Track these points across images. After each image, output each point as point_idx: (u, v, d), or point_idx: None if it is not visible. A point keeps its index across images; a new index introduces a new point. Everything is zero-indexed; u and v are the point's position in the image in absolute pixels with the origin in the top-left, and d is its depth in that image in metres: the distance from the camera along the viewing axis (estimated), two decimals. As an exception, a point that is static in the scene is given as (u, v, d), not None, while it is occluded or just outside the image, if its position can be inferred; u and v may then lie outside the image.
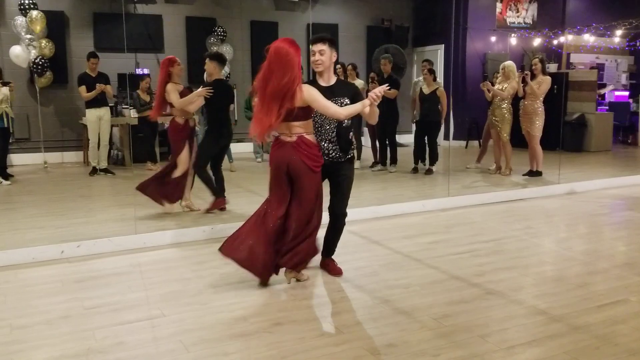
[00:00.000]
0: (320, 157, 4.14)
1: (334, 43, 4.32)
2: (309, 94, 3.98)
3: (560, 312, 3.74)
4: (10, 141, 9.18)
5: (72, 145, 10.89)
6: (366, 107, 4.06)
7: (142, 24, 11.16)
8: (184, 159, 6.30)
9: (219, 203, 6.54)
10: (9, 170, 8.88)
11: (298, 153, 4.04)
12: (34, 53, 10.02)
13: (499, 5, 13.60)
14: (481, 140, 10.33)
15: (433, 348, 3.24)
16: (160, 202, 6.31)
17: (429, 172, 9.25)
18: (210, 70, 6.45)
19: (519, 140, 9.35)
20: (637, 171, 9.40)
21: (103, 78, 8.96)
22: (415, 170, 9.37)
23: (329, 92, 4.18)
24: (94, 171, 9.14)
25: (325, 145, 4.27)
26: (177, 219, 6.15)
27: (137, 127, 9.72)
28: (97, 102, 8.97)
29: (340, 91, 4.27)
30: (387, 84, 4.37)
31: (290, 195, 4.18)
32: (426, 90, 9.14)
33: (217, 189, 6.54)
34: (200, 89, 6.22)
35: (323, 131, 4.28)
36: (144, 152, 9.68)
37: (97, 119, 9.04)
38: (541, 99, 8.63)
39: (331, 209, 4.44)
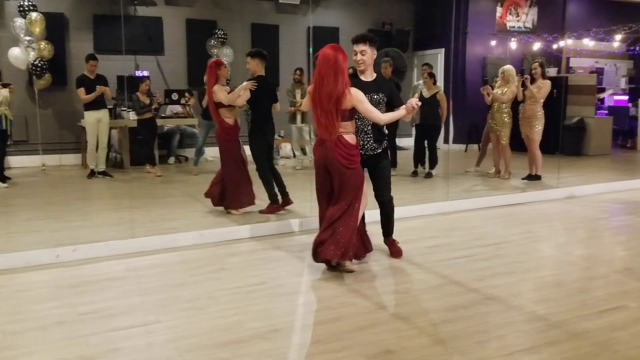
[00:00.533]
0: (355, 157, 4.44)
1: (374, 41, 4.64)
2: (357, 97, 4.33)
3: (559, 317, 3.70)
4: (8, 143, 9.13)
5: (71, 148, 10.83)
6: (403, 115, 4.53)
7: (142, 26, 11.13)
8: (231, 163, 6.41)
9: (274, 209, 6.50)
10: (6, 173, 8.83)
11: (334, 152, 4.36)
12: (33, 55, 9.99)
13: (499, 10, 13.59)
14: (480, 144, 10.30)
15: (432, 355, 3.20)
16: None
17: (428, 175, 9.22)
18: (253, 67, 6.45)
19: (518, 144, 9.32)
20: (636, 175, 9.36)
21: (101, 80, 8.92)
22: (415, 173, 9.34)
23: (374, 86, 4.65)
24: (92, 174, 9.10)
25: (361, 137, 4.67)
26: (175, 223, 6.11)
27: (136, 129, 9.68)
28: (96, 104, 8.93)
29: (382, 86, 4.70)
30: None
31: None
32: (426, 94, 9.11)
33: (275, 195, 6.48)
34: (245, 82, 6.26)
35: (358, 123, 4.63)
36: (143, 154, 9.64)
37: (95, 121, 9.00)
38: (541, 103, 8.60)
39: (377, 197, 4.89)
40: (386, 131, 4.87)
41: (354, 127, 4.50)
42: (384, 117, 4.47)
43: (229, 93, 6.32)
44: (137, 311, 3.84)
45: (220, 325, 3.60)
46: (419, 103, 4.50)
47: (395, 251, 5.07)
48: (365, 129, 4.68)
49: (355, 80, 4.61)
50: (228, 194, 6.43)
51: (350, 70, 4.69)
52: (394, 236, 5.15)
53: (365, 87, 4.55)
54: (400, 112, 4.51)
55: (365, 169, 4.75)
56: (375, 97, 4.63)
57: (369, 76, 4.71)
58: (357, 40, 4.61)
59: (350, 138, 4.42)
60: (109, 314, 3.80)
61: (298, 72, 10.11)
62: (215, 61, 6.54)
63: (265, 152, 6.54)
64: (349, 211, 4.42)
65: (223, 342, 3.36)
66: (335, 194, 4.49)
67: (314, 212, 5.07)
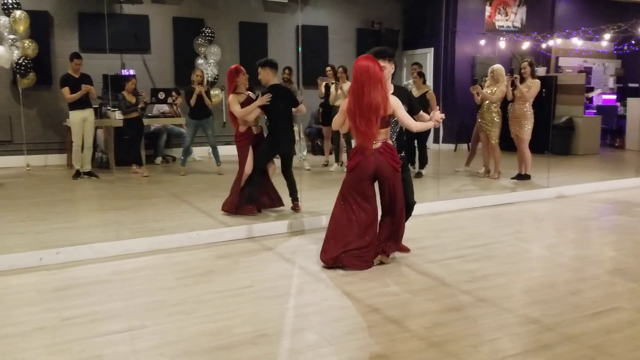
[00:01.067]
0: (399, 158, 4.71)
1: (392, 56, 4.83)
2: (395, 104, 4.55)
3: (553, 320, 3.64)
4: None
5: (56, 148, 10.68)
6: (431, 127, 4.88)
7: (128, 24, 11.00)
8: (248, 166, 6.36)
9: (249, 210, 6.44)
10: (-10, 173, 8.69)
11: (384, 157, 4.59)
12: (17, 53, 9.84)
13: (488, 9, 13.57)
14: (470, 144, 10.27)
15: (424, 359, 3.14)
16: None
17: (418, 175, 9.17)
18: (265, 77, 6.40)
19: (507, 143, 9.30)
20: (624, 175, 9.37)
21: (87, 79, 8.78)
22: (404, 173, 9.27)
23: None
24: (78, 174, 8.96)
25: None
26: (162, 225, 6.01)
27: (122, 129, 9.54)
28: (81, 103, 8.80)
29: (401, 97, 4.72)
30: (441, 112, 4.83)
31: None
32: (416, 93, 9.06)
33: (252, 195, 6.41)
34: (259, 99, 6.27)
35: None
36: (129, 155, 9.52)
37: (81, 121, 8.86)
38: (530, 102, 8.58)
39: (406, 201, 4.92)
40: (404, 138, 5.09)
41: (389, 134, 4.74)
42: (415, 125, 4.73)
43: (242, 102, 6.33)
44: (122, 316, 3.74)
45: (208, 330, 3.51)
46: (443, 117, 4.72)
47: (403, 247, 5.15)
48: (390, 136, 4.76)
49: None
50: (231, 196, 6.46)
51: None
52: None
53: None
54: (430, 124, 4.77)
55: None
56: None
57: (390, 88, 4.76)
58: (377, 55, 4.64)
59: (391, 142, 4.71)
60: (93, 319, 3.70)
61: (287, 71, 10.03)
62: (235, 68, 6.47)
63: (268, 159, 6.49)
64: (400, 211, 4.82)
65: (211, 348, 3.27)
66: (385, 199, 4.76)
67: (303, 214, 5.01)
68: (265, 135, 6.56)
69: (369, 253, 4.71)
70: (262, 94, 6.27)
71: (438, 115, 4.68)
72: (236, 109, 6.27)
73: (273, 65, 6.43)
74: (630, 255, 5.17)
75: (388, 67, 4.71)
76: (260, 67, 6.39)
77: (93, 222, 6.23)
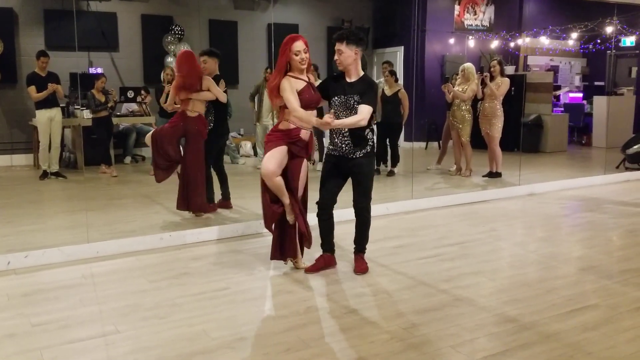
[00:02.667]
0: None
1: (351, 40, 4.31)
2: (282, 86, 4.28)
3: (530, 319, 3.67)
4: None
5: (22, 148, 10.41)
6: (315, 123, 4.24)
7: (96, 22, 10.77)
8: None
9: (210, 208, 6.45)
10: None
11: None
12: (-21, 51, 9.58)
13: (457, 8, 13.67)
14: (441, 142, 10.33)
15: (404, 361, 3.12)
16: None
17: (390, 174, 9.19)
18: (212, 67, 6.32)
19: (478, 141, 9.38)
20: (592, 172, 9.53)
21: (53, 77, 8.58)
22: (377, 172, 9.29)
23: (350, 88, 4.36)
24: (45, 175, 8.74)
25: (338, 139, 4.43)
26: (133, 226, 5.90)
27: (90, 128, 9.35)
28: (48, 102, 8.59)
29: (357, 88, 4.36)
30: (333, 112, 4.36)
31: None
32: (388, 92, 9.07)
33: (211, 194, 6.45)
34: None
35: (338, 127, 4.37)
36: (98, 154, 9.33)
37: (47, 120, 8.65)
38: (500, 100, 8.67)
39: (354, 204, 4.59)
40: (370, 135, 4.47)
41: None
42: (298, 112, 4.21)
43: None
44: (94, 321, 3.64)
45: (184, 335, 3.44)
46: (333, 120, 4.12)
47: (359, 266, 4.62)
48: (343, 132, 4.39)
49: (335, 80, 4.47)
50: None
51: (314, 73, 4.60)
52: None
53: (344, 88, 4.36)
54: (315, 120, 4.22)
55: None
56: (351, 99, 4.33)
57: (352, 77, 4.39)
58: (334, 38, 4.37)
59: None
60: (64, 324, 3.59)
61: (269, 70, 9.93)
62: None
63: (217, 153, 6.61)
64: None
65: (187, 353, 3.20)
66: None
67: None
68: None
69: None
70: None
71: (327, 117, 4.10)
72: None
73: (219, 56, 6.41)
74: (602, 253, 5.25)
75: (345, 51, 4.29)
76: (207, 56, 6.31)
77: (62, 224, 6.08)
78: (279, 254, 4.60)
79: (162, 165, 6.08)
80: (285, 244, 4.58)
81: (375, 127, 9.60)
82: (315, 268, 4.61)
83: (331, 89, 4.45)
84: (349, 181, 4.61)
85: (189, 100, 6.04)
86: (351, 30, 4.45)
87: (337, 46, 4.32)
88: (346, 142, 4.41)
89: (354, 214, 4.64)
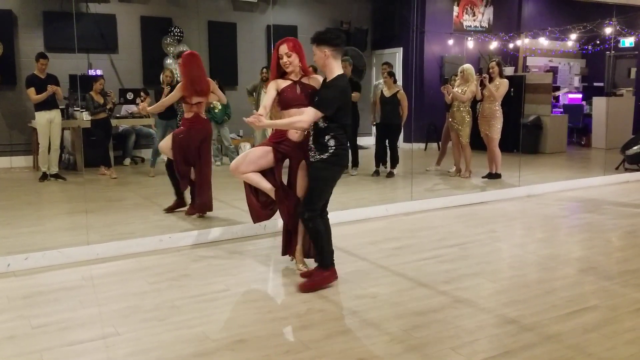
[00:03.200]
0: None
1: (323, 41, 4.17)
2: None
3: (530, 320, 3.66)
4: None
5: (21, 150, 10.42)
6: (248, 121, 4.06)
7: (95, 24, 10.78)
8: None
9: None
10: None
11: None
12: (-21, 53, 9.57)
13: (455, 9, 13.68)
14: (440, 143, 10.33)
15: (404, 363, 3.12)
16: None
17: (390, 175, 9.19)
18: None
19: (477, 142, 9.38)
20: (592, 173, 9.54)
21: (53, 79, 8.58)
22: (376, 173, 9.29)
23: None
24: (44, 177, 8.74)
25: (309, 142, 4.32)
26: (132, 228, 5.89)
27: (89, 130, 9.35)
28: (47, 104, 8.59)
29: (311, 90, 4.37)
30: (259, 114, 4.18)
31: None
32: (387, 93, 9.08)
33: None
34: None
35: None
36: (97, 156, 9.33)
37: (47, 122, 8.65)
38: (499, 101, 8.67)
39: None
40: (331, 143, 4.16)
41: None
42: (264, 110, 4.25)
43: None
44: (94, 323, 3.64)
45: (183, 337, 3.44)
46: (260, 120, 4.02)
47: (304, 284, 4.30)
48: (312, 133, 4.26)
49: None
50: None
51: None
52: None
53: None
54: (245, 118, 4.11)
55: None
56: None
57: (328, 78, 4.23)
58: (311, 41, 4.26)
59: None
60: (64, 326, 3.59)
61: (265, 70, 9.94)
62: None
63: None
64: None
65: (187, 355, 3.20)
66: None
67: (278, 214, 4.94)
68: None
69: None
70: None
71: (254, 115, 4.06)
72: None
73: None
74: (601, 254, 5.24)
75: (317, 53, 4.18)
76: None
77: (61, 225, 6.08)
78: (287, 250, 4.68)
79: (186, 172, 6.28)
80: (292, 240, 4.63)
81: (375, 129, 9.63)
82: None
83: (316, 92, 4.37)
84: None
85: (201, 104, 6.13)
86: (323, 30, 4.31)
87: (313, 49, 4.22)
88: (310, 147, 4.26)
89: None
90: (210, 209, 6.37)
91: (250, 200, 4.57)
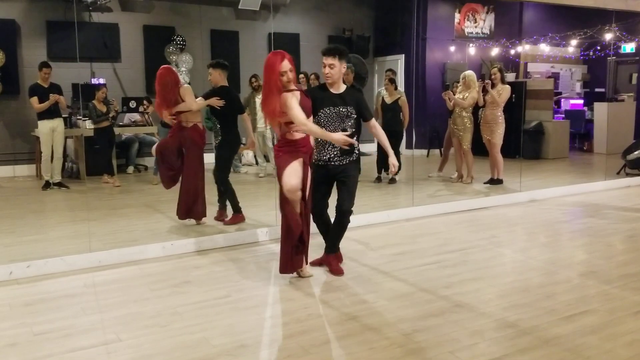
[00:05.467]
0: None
1: (343, 54, 4.55)
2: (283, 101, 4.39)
3: (529, 324, 3.68)
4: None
5: (24, 159, 10.46)
6: (333, 140, 4.39)
7: (98, 33, 10.85)
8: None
9: (239, 218, 6.42)
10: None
11: None
12: (-18, 63, 9.64)
13: (457, 16, 13.73)
14: (442, 149, 10.35)
15: (403, 367, 3.14)
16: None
17: (392, 181, 9.20)
18: (216, 78, 6.39)
19: (479, 148, 9.40)
20: (593, 178, 9.55)
21: (55, 88, 8.64)
22: (378, 179, 9.32)
23: (340, 99, 4.59)
24: (47, 185, 8.79)
25: (327, 150, 4.61)
26: (135, 235, 5.93)
27: (92, 138, 9.40)
28: (50, 113, 8.64)
29: (349, 99, 4.61)
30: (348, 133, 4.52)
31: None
32: (388, 100, 9.11)
33: (238, 203, 6.44)
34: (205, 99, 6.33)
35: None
36: (100, 164, 9.37)
37: (50, 131, 8.70)
38: (501, 107, 8.70)
39: (337, 207, 4.65)
40: (356, 144, 4.66)
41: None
42: (306, 126, 4.30)
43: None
44: (96, 330, 3.67)
45: (185, 343, 3.46)
46: (350, 141, 4.35)
47: (337, 269, 4.76)
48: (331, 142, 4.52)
49: (323, 92, 4.62)
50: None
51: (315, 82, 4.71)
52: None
53: (332, 100, 4.56)
54: (331, 136, 4.34)
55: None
56: (342, 110, 4.57)
57: (340, 88, 4.63)
58: (326, 53, 4.53)
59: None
60: (66, 333, 3.62)
61: (254, 79, 10.00)
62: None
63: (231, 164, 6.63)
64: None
65: (188, 361, 3.23)
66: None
67: (279, 221, 4.97)
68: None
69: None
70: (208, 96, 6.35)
71: (342, 137, 4.33)
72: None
73: (225, 67, 6.44)
74: (601, 258, 5.25)
75: (337, 65, 4.50)
76: (212, 68, 6.40)
77: (64, 234, 6.11)
78: (290, 268, 4.58)
79: (166, 174, 6.22)
80: (295, 256, 4.57)
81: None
82: (316, 262, 4.89)
83: (318, 101, 4.56)
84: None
85: (180, 113, 6.11)
86: (339, 45, 4.63)
87: (329, 60, 4.49)
88: (334, 152, 4.60)
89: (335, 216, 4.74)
90: (197, 217, 6.34)
91: (294, 216, 4.45)
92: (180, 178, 6.24)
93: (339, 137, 4.32)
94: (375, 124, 4.86)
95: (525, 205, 7.74)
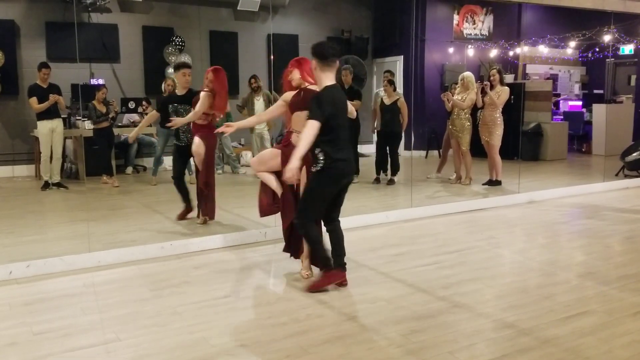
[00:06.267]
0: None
1: (314, 53, 4.29)
2: None
3: (528, 324, 3.69)
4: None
5: (23, 159, 10.48)
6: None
7: (97, 34, 10.86)
8: None
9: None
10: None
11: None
12: (-18, 63, 9.64)
13: (456, 17, 13.76)
14: (441, 150, 10.37)
15: (402, 367, 3.14)
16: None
17: (390, 182, 9.22)
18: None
19: (478, 150, 9.42)
20: (592, 179, 9.57)
21: (55, 89, 8.65)
22: (377, 180, 9.33)
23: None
24: (46, 185, 8.79)
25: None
26: (134, 235, 5.93)
27: (92, 139, 9.41)
28: (49, 113, 8.65)
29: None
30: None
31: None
32: (387, 101, 9.13)
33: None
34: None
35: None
36: (100, 165, 9.38)
37: (49, 131, 8.71)
38: (500, 109, 8.71)
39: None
40: (321, 156, 4.20)
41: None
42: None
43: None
44: (96, 329, 3.67)
45: (184, 342, 3.47)
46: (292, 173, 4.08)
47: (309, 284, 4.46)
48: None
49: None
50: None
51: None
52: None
53: None
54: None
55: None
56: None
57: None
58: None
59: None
60: (66, 333, 3.62)
61: (253, 79, 10.01)
62: None
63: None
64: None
65: (188, 360, 3.24)
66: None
67: (278, 222, 4.99)
68: None
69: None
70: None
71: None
72: None
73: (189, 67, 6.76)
74: (599, 259, 5.27)
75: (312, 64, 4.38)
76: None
77: (63, 234, 6.11)
78: (288, 248, 4.83)
79: None
80: (293, 241, 4.76)
81: (376, 136, 9.67)
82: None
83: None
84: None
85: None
86: (318, 42, 4.38)
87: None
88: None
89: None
90: (209, 217, 6.47)
91: (259, 196, 4.91)
92: (201, 180, 6.36)
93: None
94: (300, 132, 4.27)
95: (523, 206, 7.76)
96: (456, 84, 9.44)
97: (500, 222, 6.84)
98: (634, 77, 14.38)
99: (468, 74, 9.13)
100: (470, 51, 13.75)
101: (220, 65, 6.59)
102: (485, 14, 14.16)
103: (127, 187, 9.16)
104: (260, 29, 12.60)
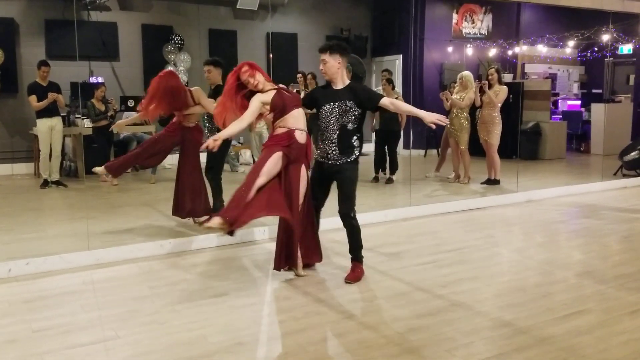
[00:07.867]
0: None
1: (335, 50, 4.54)
2: None
3: (525, 323, 3.71)
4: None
5: (23, 157, 10.46)
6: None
7: (96, 32, 10.85)
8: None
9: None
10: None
11: None
12: (-19, 61, 9.64)
13: (455, 17, 13.76)
14: (439, 149, 10.39)
15: (400, 364, 3.16)
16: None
17: (389, 181, 9.23)
18: (216, 77, 6.38)
19: (476, 149, 9.43)
20: (590, 179, 9.59)
21: (54, 87, 8.65)
22: (375, 179, 9.34)
23: (341, 95, 4.53)
24: (45, 183, 8.79)
25: (327, 147, 4.57)
26: (133, 233, 5.94)
27: (91, 137, 9.41)
28: (49, 111, 8.65)
29: (349, 94, 4.52)
30: None
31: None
32: (386, 100, 9.12)
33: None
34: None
35: (327, 134, 4.56)
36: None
37: (48, 129, 8.71)
38: (498, 108, 8.73)
39: (339, 211, 4.64)
40: (357, 144, 4.60)
41: None
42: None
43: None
44: (95, 327, 3.69)
45: (182, 340, 3.48)
46: (444, 121, 4.63)
47: (349, 275, 4.62)
48: (331, 137, 4.54)
49: (324, 89, 4.67)
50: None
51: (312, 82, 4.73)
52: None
53: (332, 96, 4.53)
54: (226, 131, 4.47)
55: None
56: (343, 105, 4.49)
57: (339, 84, 4.58)
58: (319, 50, 4.60)
59: None
60: (65, 330, 3.64)
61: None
62: None
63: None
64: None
65: (186, 358, 3.25)
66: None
67: (276, 221, 5.00)
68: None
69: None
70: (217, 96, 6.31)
71: (435, 116, 4.70)
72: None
73: (222, 66, 6.41)
74: (597, 258, 5.29)
75: (330, 61, 4.51)
76: (212, 66, 6.34)
77: (62, 231, 6.12)
78: (283, 263, 4.62)
79: (135, 158, 6.27)
80: (288, 252, 4.59)
81: (374, 135, 9.69)
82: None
83: (320, 98, 4.60)
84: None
85: (185, 115, 6.11)
86: (335, 41, 4.68)
87: (322, 56, 4.55)
88: (333, 149, 4.55)
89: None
90: (199, 215, 6.26)
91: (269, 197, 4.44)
92: (178, 178, 6.24)
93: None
94: (390, 102, 4.63)
95: (522, 205, 7.78)
96: (455, 83, 9.45)
97: (498, 221, 6.86)
98: (632, 77, 14.40)
99: (467, 73, 9.14)
100: (469, 50, 13.75)
101: (223, 63, 6.55)
102: (484, 13, 14.17)
103: (126, 185, 9.17)
104: (259, 27, 12.60)
